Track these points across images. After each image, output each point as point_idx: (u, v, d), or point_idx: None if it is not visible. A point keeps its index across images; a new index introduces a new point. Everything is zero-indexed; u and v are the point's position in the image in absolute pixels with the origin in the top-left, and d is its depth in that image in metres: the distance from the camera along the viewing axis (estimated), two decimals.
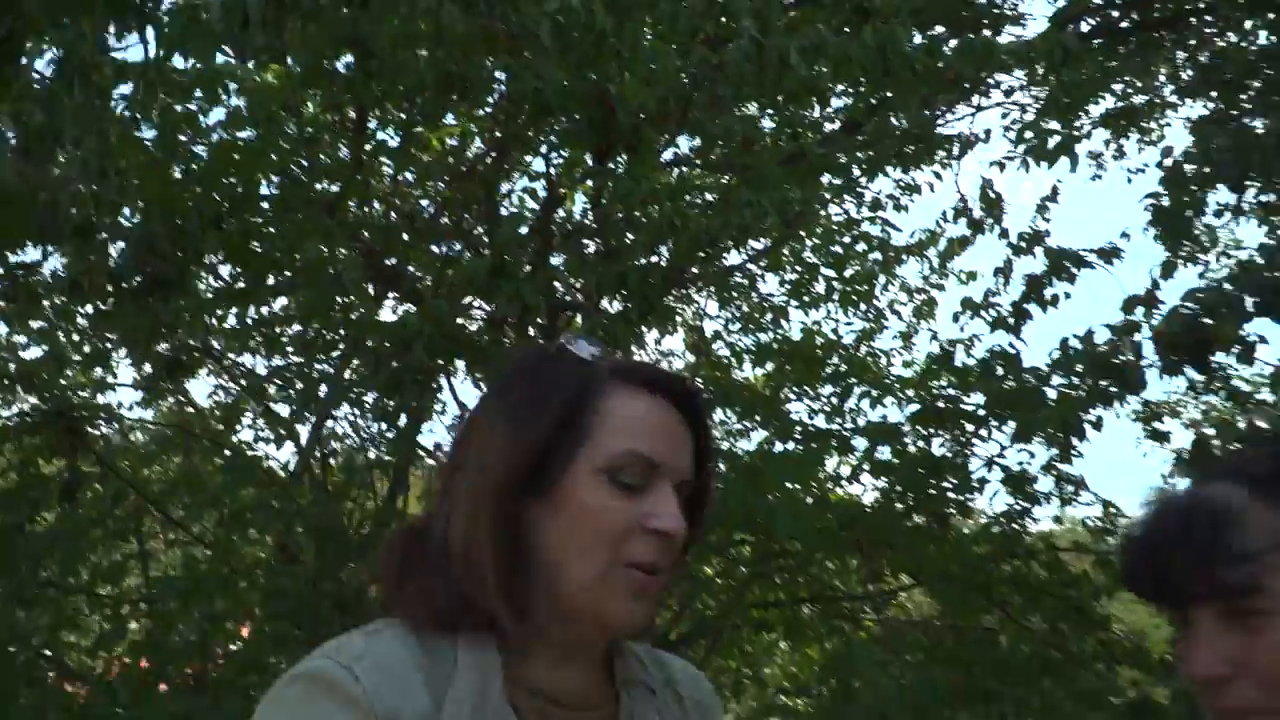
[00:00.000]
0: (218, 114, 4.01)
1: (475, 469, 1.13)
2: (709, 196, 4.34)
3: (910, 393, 5.80)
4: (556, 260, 4.96)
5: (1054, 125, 4.65)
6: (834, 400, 5.27)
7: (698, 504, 1.16)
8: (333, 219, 3.82)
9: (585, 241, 4.41)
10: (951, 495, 4.40)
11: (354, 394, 3.73)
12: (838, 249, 5.94)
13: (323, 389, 3.71)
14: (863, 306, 6.18)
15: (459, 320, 3.44)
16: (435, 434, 5.41)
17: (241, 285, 3.68)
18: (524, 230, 5.28)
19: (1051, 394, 4.31)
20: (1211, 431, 2.35)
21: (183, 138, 3.75)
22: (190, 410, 5.83)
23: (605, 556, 1.08)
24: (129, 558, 4.43)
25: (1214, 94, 5.57)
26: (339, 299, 3.31)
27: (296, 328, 4.69)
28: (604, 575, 1.08)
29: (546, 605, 1.11)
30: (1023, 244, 5.56)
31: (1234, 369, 4.14)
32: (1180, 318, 2.33)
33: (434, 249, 5.30)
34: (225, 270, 3.72)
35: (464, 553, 1.10)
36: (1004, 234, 5.91)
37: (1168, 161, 3.56)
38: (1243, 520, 1.12)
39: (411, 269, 5.08)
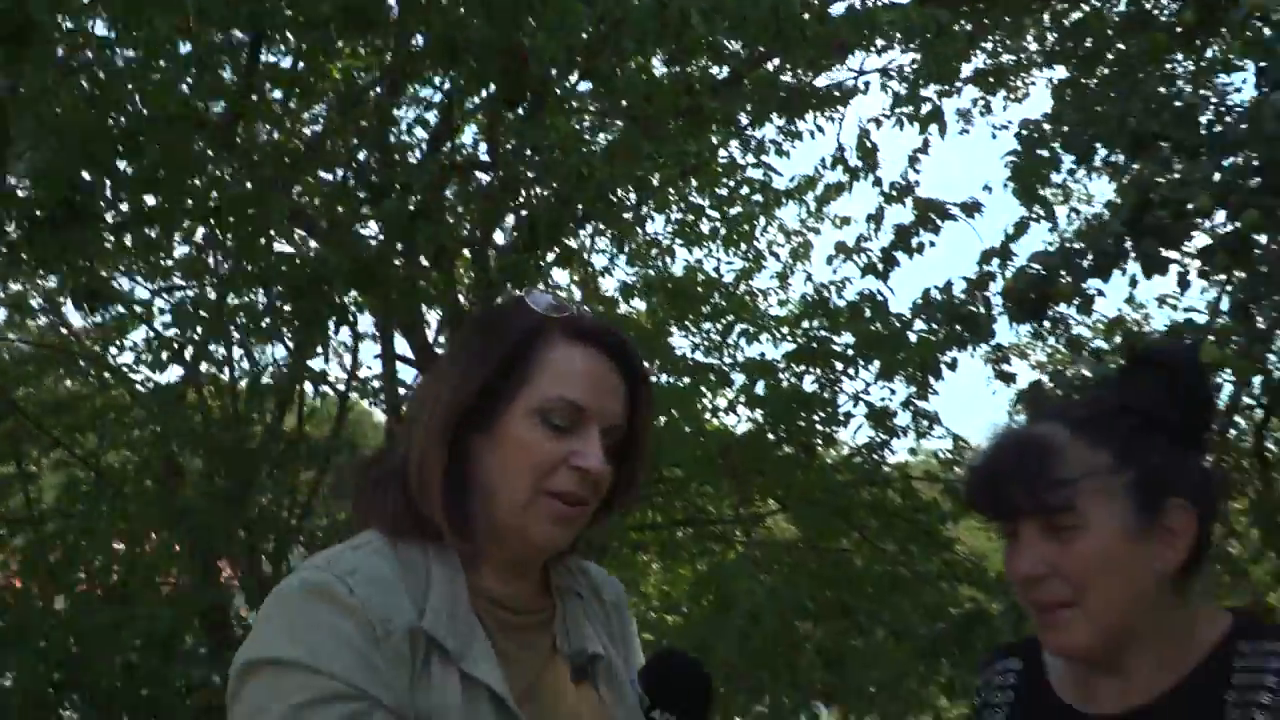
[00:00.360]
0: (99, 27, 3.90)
1: (430, 404, 1.30)
2: (604, 138, 4.47)
3: (785, 330, 6.14)
4: (450, 193, 5.04)
5: (928, 91, 4.95)
6: (714, 336, 5.53)
7: (632, 445, 1.33)
8: (226, 143, 3.81)
9: (480, 176, 4.49)
10: (819, 427, 4.74)
11: (249, 323, 3.76)
12: (722, 191, 6.17)
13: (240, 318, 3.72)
14: (743, 246, 6.43)
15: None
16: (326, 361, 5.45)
17: (127, 210, 3.62)
18: (418, 160, 5.34)
19: (912, 336, 4.67)
20: (1047, 377, 2.67)
21: (61, 51, 3.66)
22: (65, 331, 5.69)
23: (532, 486, 1.24)
24: (9, 478, 4.37)
25: (1074, 60, 5.95)
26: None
27: (182, 251, 4.66)
28: (530, 501, 1.24)
29: (484, 524, 1.27)
30: (893, 193, 5.92)
31: (1075, 318, 4.58)
32: (1027, 276, 2.62)
33: (324, 175, 5.29)
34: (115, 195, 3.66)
35: (417, 475, 1.25)
36: (877, 182, 6.25)
37: (1023, 131, 3.87)
38: (1063, 453, 1.38)
39: (299, 194, 5.06)
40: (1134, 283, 2.85)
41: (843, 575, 4.64)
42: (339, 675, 1.15)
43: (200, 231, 3.99)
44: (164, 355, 5.33)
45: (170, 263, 4.84)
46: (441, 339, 5.46)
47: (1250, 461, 5.14)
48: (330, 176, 5.27)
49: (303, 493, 4.07)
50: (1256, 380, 4.01)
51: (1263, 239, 2.46)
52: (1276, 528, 4.79)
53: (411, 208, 2.70)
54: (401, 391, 5.60)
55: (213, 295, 4.67)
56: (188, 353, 4.12)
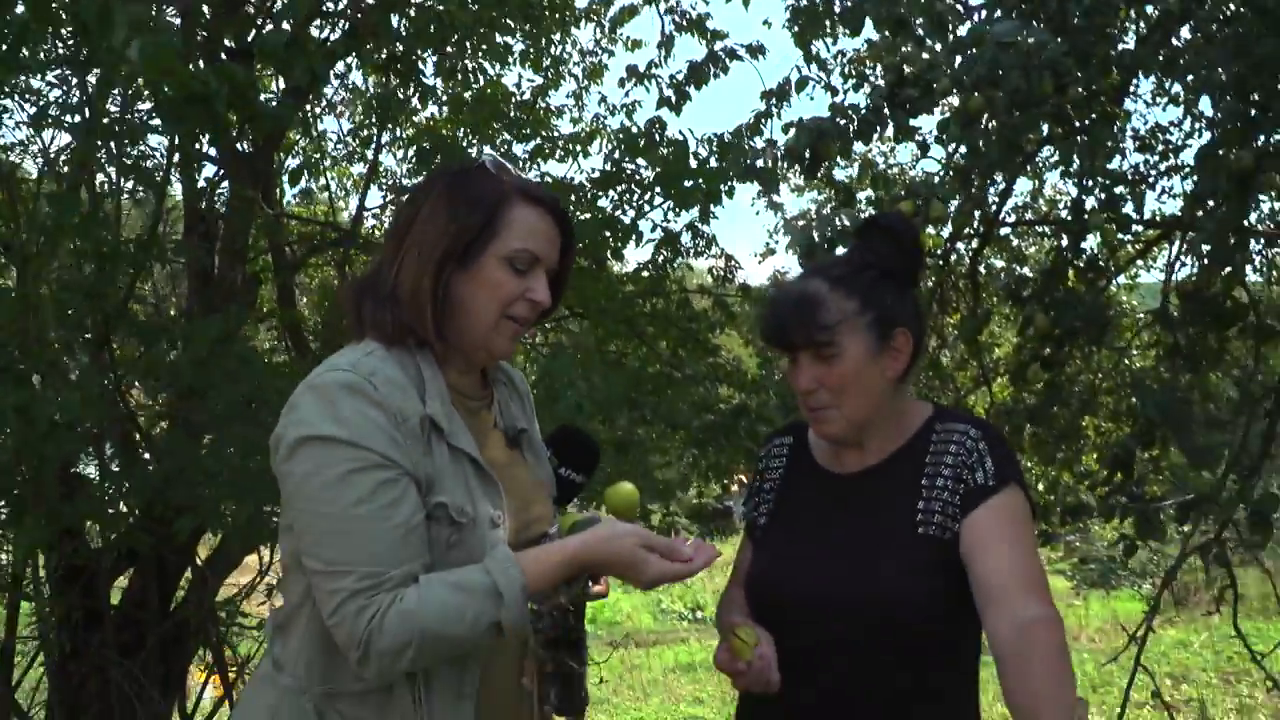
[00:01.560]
0: None
1: (421, 244, 1.65)
2: None
3: (578, 147, 6.52)
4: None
5: None
6: (517, 153, 5.82)
7: (560, 281, 1.80)
8: None
9: None
10: (612, 244, 5.24)
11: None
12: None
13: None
14: (545, 61, 6.61)
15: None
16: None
17: None
18: None
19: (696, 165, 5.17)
20: (814, 221, 3.22)
21: None
22: None
23: (498, 313, 1.67)
24: None
25: None
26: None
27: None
28: (496, 324, 1.68)
29: (458, 337, 1.68)
30: (685, 22, 6.30)
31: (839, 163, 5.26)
32: (804, 134, 3.16)
33: None
34: None
35: (410, 299, 1.64)
36: (671, 10, 6.57)
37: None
38: (826, 304, 1.94)
39: None
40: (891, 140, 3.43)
41: (627, 375, 5.25)
42: (376, 449, 1.51)
43: None
44: None
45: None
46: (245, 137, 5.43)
47: (964, 284, 6.15)
48: None
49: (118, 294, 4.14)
50: (976, 213, 4.85)
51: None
52: (978, 342, 5.85)
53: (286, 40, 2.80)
54: (201, 184, 5.57)
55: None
56: None
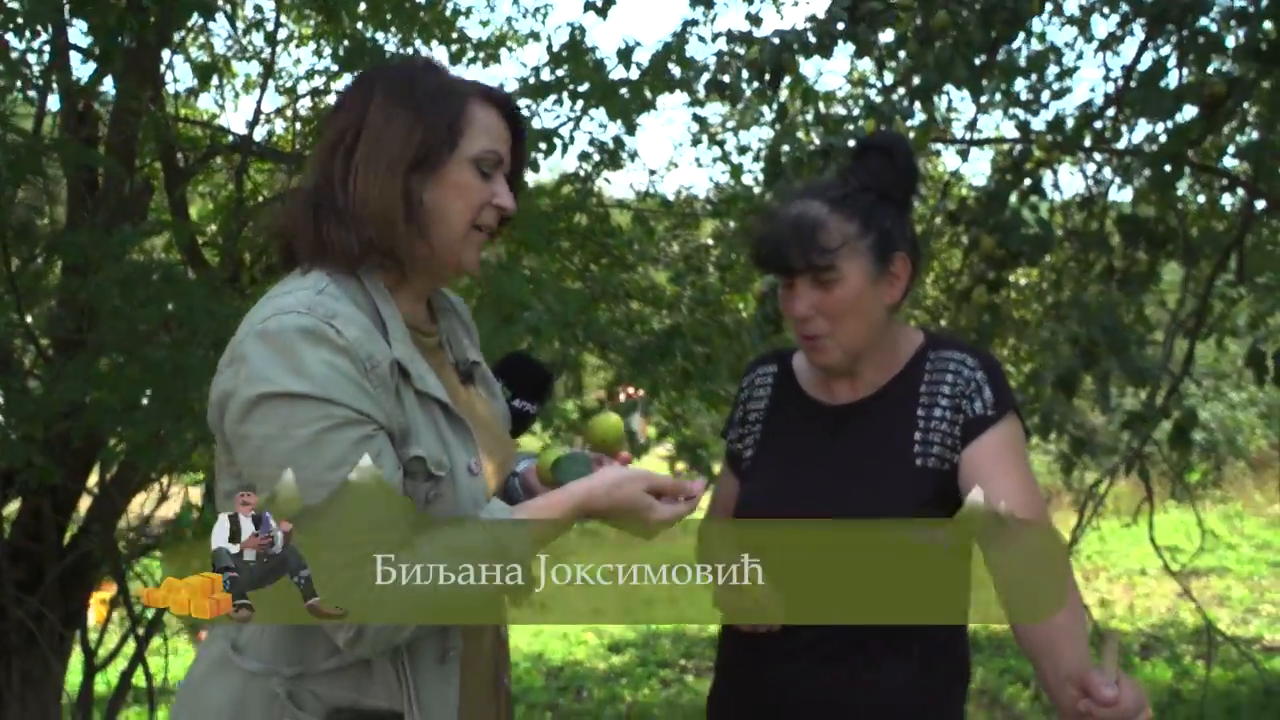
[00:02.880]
0: None
1: (380, 151, 1.46)
2: None
3: (488, 53, 6.22)
4: None
5: None
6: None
7: (513, 186, 1.59)
8: None
9: None
10: (537, 156, 5.01)
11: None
12: None
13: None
14: None
15: None
16: None
17: None
18: None
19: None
20: (787, 145, 3.12)
21: None
22: None
23: (468, 222, 1.51)
24: None
25: None
26: None
27: None
28: (465, 235, 1.51)
29: (424, 251, 1.50)
30: None
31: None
32: (771, 50, 3.03)
33: None
34: None
35: (377, 211, 1.45)
36: None
37: None
38: (825, 226, 1.84)
39: None
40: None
41: (580, 294, 5.04)
42: (347, 404, 1.34)
43: None
44: None
45: None
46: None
47: None
48: None
49: None
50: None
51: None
52: None
53: None
54: (76, 77, 5.09)
55: None
56: None
